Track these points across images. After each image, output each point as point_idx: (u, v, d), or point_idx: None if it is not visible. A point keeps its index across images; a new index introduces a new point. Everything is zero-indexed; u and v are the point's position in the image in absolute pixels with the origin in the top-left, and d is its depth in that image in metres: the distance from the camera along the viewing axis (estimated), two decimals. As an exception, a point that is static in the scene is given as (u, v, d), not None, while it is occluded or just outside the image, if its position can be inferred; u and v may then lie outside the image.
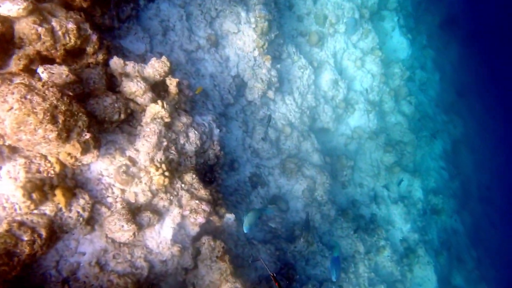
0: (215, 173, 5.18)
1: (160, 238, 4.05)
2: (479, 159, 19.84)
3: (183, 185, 4.32)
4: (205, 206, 4.24)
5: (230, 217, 4.77)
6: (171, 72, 4.29)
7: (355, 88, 9.67)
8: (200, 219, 4.20)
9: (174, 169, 4.23)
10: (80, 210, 3.51)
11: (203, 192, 4.38)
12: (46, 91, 2.80)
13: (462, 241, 14.65)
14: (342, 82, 8.85)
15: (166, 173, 4.00)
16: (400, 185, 9.19)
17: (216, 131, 5.05)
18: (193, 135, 4.49)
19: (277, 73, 6.76)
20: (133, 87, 3.89)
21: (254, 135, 6.64)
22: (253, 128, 6.71)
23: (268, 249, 5.67)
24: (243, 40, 6.03)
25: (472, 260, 14.00)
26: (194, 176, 4.45)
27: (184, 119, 4.40)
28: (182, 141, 4.37)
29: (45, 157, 3.18)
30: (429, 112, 13.49)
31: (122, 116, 3.82)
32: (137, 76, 3.99)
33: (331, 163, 8.25)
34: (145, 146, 3.91)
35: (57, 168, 3.23)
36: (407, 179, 11.24)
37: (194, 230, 4.29)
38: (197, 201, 4.24)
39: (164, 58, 4.19)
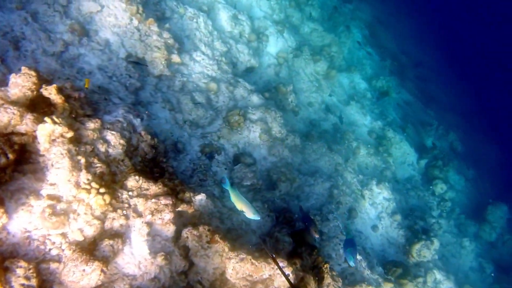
0: (161, 164, 4.55)
1: (137, 258, 3.47)
2: (396, 32, 20.60)
3: (130, 193, 3.68)
4: (164, 201, 3.66)
5: (200, 197, 4.25)
6: (45, 81, 3.47)
7: (257, 15, 9.11)
8: (167, 216, 3.63)
9: (110, 182, 3.56)
10: (24, 281, 2.81)
11: (155, 188, 3.78)
12: None
13: (417, 107, 15.37)
14: (242, 15, 8.25)
15: (102, 190, 3.34)
16: (343, 118, 9.19)
17: (137, 121, 4.37)
18: (111, 137, 3.79)
19: (170, 34, 6.01)
20: (5, 117, 3.07)
21: (183, 108, 5.98)
22: (178, 101, 6.03)
23: (256, 207, 5.27)
24: (113, 14, 5.16)
25: (431, 118, 14.77)
26: (137, 177, 3.81)
27: (91, 124, 3.66)
28: (102, 149, 3.66)
29: None
30: (336, 5, 13.36)
31: (11, 157, 3.03)
32: (2, 104, 3.15)
33: (272, 97, 7.85)
34: (60, 175, 3.19)
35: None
36: (345, 77, 11.30)
37: (169, 230, 3.74)
38: (153, 200, 3.64)
39: (24, 68, 3.35)
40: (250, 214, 4.00)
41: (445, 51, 26.75)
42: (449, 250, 9.61)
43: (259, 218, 4.19)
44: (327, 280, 4.54)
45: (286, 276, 3.61)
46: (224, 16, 7.90)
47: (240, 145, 6.50)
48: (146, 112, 5.05)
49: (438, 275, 7.42)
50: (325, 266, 4.60)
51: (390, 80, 12.48)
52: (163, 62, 5.89)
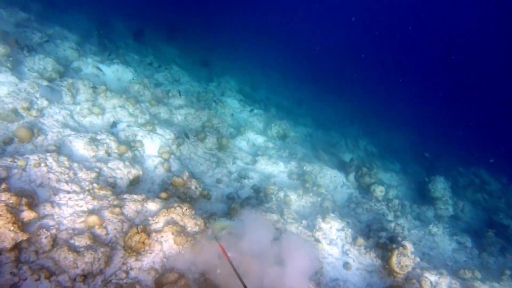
0: None
1: None
2: (268, 84, 22.24)
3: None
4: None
5: None
6: None
7: (120, 128, 8.44)
8: None
9: None
10: None
11: None
12: None
13: (318, 134, 15.92)
14: (101, 134, 7.48)
15: None
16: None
17: None
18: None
19: (11, 193, 4.85)
20: None
21: (64, 264, 4.66)
22: (54, 261, 4.70)
23: None
24: None
25: (335, 137, 15.33)
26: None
27: None
28: None
29: None
30: (199, 90, 13.62)
31: None
32: None
33: (173, 194, 6.94)
34: None
35: None
36: (240, 139, 11.07)
37: None
38: None
39: None
40: None
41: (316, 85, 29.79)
42: (424, 244, 9.10)
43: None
44: None
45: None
46: (80, 145, 7.03)
47: (156, 266, 5.28)
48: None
49: (431, 276, 6.65)
50: None
51: (281, 123, 12.67)
52: (11, 228, 4.61)
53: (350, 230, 7.65)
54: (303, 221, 7.66)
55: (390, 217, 9.35)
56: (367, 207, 9.31)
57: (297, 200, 8.52)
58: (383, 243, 7.30)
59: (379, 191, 10.07)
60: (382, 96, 33.39)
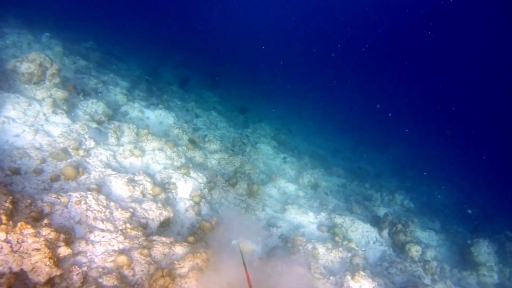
0: None
1: None
2: (299, 133, 22.48)
3: None
4: None
5: None
6: None
7: (156, 169, 8.87)
8: None
9: None
10: None
11: None
12: None
13: (353, 185, 15.57)
14: (139, 176, 7.89)
15: None
16: None
17: None
18: None
19: (51, 228, 5.21)
20: None
21: None
22: None
23: None
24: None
25: (371, 190, 14.86)
26: None
27: None
28: None
29: None
30: (234, 136, 14.06)
31: None
32: None
33: (199, 238, 7.04)
34: None
35: None
36: (271, 187, 11.11)
37: None
38: None
39: None
40: None
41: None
42: (464, 314, 8.29)
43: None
44: None
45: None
46: (119, 184, 7.45)
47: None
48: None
49: None
50: None
51: (313, 172, 12.63)
52: (48, 263, 4.90)
53: (381, 291, 7.22)
54: (331, 277, 7.37)
55: (427, 280, 8.71)
56: (402, 268, 8.76)
57: (326, 254, 8.25)
58: (417, 309, 6.78)
59: (414, 250, 9.50)
60: (424, 150, 32.43)
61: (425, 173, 22.81)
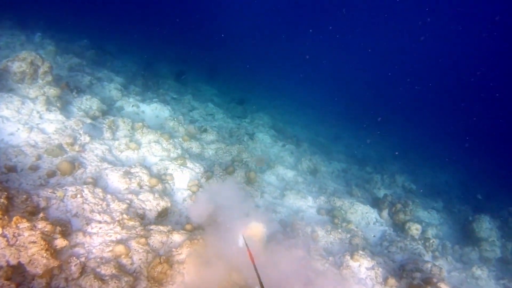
0: None
1: None
2: (298, 120, 22.41)
3: None
4: None
5: None
6: None
7: (152, 161, 8.92)
8: None
9: None
10: None
11: None
12: None
13: (354, 169, 15.55)
14: (135, 168, 7.94)
15: None
16: None
17: None
18: None
19: (47, 222, 5.27)
20: None
21: None
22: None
23: None
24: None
25: (372, 173, 14.86)
26: None
27: None
28: None
29: None
30: (232, 126, 14.07)
31: None
32: None
33: (199, 226, 7.10)
34: None
35: None
36: (270, 174, 11.14)
37: None
38: None
39: None
40: None
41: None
42: (467, 288, 8.33)
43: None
44: None
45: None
46: (115, 177, 7.51)
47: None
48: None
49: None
50: None
51: (312, 158, 12.63)
52: (44, 255, 4.97)
53: (380, 269, 7.25)
54: (330, 258, 7.41)
55: (428, 257, 8.73)
56: (402, 246, 8.79)
57: (325, 236, 8.29)
58: (417, 284, 6.82)
59: (414, 229, 9.51)
60: (428, 133, 32.28)
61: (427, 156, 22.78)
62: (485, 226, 10.64)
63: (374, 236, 9.37)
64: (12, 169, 6.69)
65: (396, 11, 51.05)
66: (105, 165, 7.81)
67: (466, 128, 35.13)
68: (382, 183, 13.62)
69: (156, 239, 6.30)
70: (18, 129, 7.62)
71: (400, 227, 10.00)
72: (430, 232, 10.03)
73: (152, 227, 6.54)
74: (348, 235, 8.49)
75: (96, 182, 7.24)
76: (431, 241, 9.14)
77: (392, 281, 6.99)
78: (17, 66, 8.75)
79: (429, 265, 7.76)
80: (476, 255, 9.91)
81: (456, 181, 20.32)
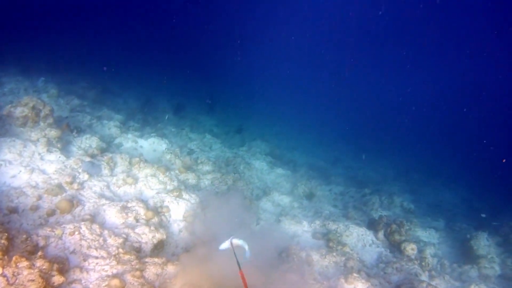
0: None
1: None
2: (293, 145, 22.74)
3: None
4: None
5: None
6: None
7: (149, 195, 9.23)
8: None
9: None
10: None
11: None
12: None
13: (351, 192, 15.67)
14: (132, 202, 8.25)
15: None
16: None
17: None
18: None
19: (44, 260, 5.55)
20: None
21: None
22: None
23: None
24: None
25: (369, 195, 15.00)
26: None
27: None
28: None
29: None
30: (229, 156, 14.42)
31: None
32: None
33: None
34: None
35: None
36: (266, 201, 11.35)
37: None
38: None
39: None
40: None
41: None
42: (463, 307, 8.30)
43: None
44: None
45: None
46: (112, 212, 7.82)
47: None
48: None
49: None
50: None
51: (307, 182, 12.88)
52: (42, 291, 5.22)
53: (375, 291, 7.33)
54: (325, 282, 7.52)
55: (424, 277, 8.75)
56: (398, 267, 8.84)
57: (320, 260, 8.41)
58: (411, 305, 6.88)
59: (410, 249, 9.57)
60: (432, 151, 32.32)
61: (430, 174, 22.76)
62: (483, 243, 10.64)
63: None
64: (13, 210, 7.04)
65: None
66: (103, 201, 8.14)
67: (471, 145, 35.08)
68: (381, 204, 13.73)
69: (151, 271, 6.51)
70: (20, 171, 8.03)
71: (396, 248, 10.06)
72: (428, 251, 10.06)
73: (147, 259, 6.77)
74: (343, 258, 8.60)
75: (94, 218, 7.54)
76: (427, 260, 9.19)
77: (386, 302, 7.06)
78: (20, 111, 9.30)
79: (424, 285, 7.81)
80: (475, 273, 9.87)
81: (459, 199, 20.24)
